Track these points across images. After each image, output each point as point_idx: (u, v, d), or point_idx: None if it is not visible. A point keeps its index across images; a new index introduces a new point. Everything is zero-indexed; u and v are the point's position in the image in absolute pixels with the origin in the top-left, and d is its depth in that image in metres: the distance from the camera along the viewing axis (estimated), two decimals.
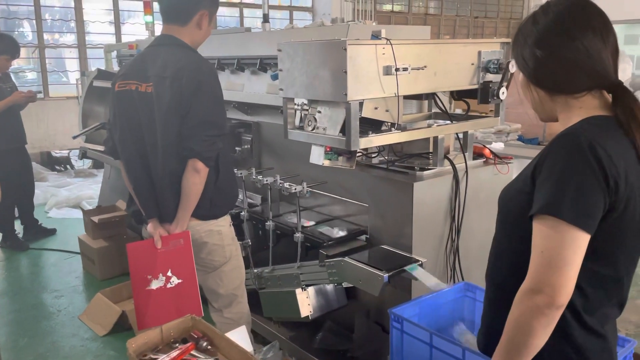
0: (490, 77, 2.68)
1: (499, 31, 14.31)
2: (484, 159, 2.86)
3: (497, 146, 6.61)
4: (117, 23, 8.91)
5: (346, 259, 2.41)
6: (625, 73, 10.55)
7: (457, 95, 2.80)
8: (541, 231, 1.20)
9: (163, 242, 2.25)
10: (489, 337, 1.33)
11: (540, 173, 1.24)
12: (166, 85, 2.22)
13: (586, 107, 1.30)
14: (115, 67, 5.15)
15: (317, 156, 2.50)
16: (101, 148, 4.65)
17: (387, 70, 2.27)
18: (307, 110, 2.56)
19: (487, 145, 2.95)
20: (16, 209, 5.27)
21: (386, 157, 2.75)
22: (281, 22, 10.89)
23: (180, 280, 2.20)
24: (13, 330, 3.64)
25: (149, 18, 5.00)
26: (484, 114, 2.97)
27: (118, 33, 8.92)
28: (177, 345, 1.24)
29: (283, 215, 3.00)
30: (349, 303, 2.89)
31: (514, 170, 6.21)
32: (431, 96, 2.80)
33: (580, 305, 1.28)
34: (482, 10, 13.95)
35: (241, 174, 2.96)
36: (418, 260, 2.36)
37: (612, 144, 1.21)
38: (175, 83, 2.21)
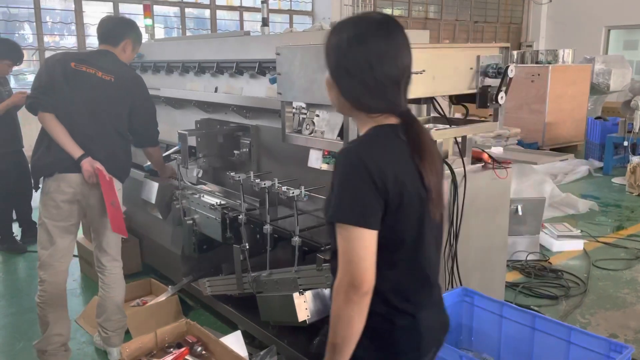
0: (489, 81, 2.68)
1: (498, 36, 14.32)
2: (483, 164, 2.85)
3: (496, 150, 6.62)
4: None
5: None
6: (625, 78, 10.55)
7: (456, 100, 2.80)
8: (337, 235, 1.40)
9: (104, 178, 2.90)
10: None
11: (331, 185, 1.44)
12: (126, 82, 3.03)
13: (378, 120, 1.49)
14: None
15: (315, 160, 2.51)
16: None
17: None
18: (305, 114, 2.56)
19: (486, 150, 2.94)
20: (14, 212, 5.26)
21: None
22: (281, 25, 10.90)
23: (116, 208, 2.96)
24: (9, 333, 3.63)
25: (148, 21, 4.99)
26: (483, 119, 2.96)
27: None
28: (171, 350, 1.24)
29: (281, 219, 2.98)
30: None
31: (513, 174, 6.22)
32: (430, 100, 2.79)
33: (389, 291, 1.47)
34: (481, 15, 13.97)
35: (239, 177, 2.95)
36: None
37: (384, 151, 1.43)
38: (132, 84, 3.08)
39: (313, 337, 2.95)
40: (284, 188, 2.71)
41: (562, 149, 9.49)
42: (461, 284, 2.61)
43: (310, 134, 2.50)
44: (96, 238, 3.11)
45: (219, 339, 1.23)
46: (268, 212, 2.86)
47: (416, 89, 2.42)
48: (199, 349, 1.21)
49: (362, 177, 1.37)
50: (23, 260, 4.92)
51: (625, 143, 7.58)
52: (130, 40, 3.12)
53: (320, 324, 2.93)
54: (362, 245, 1.37)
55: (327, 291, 2.78)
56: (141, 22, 4.48)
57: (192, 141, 3.58)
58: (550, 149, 9.40)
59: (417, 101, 2.81)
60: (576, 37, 13.30)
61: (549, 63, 9.79)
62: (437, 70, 2.46)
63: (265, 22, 3.49)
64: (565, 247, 4.82)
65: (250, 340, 3.27)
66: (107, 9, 8.75)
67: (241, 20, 10.23)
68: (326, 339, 2.88)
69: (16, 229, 5.28)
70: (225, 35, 4.18)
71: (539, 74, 9.51)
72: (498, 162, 2.85)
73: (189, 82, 3.94)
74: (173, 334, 1.27)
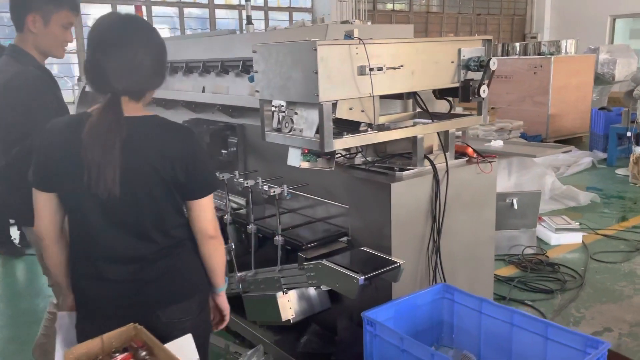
0: (471, 75, 2.65)
1: (502, 28, 14.21)
2: (467, 158, 2.81)
3: (496, 144, 6.54)
4: None
5: (324, 261, 2.37)
6: (630, 68, 10.42)
7: (439, 94, 2.76)
8: None
9: None
10: None
11: None
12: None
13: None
14: None
15: (294, 158, 2.48)
16: None
17: (361, 70, 2.24)
18: (284, 112, 2.54)
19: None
20: None
21: (367, 158, 2.72)
22: (282, 23, 10.88)
23: None
24: (4, 335, 3.65)
25: None
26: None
27: None
28: (116, 355, 1.23)
29: (266, 218, 2.97)
30: (334, 306, 2.86)
31: (509, 169, 6.11)
32: (412, 95, 2.76)
33: (72, 251, 1.78)
34: (484, 7, 13.86)
35: (223, 177, 2.94)
36: (396, 262, 2.32)
37: (59, 128, 1.69)
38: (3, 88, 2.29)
39: (301, 335, 2.95)
40: (265, 187, 2.69)
41: (567, 141, 9.38)
42: (445, 280, 2.58)
43: (290, 132, 2.47)
44: None
45: (164, 345, 1.22)
46: (252, 212, 2.85)
47: (395, 84, 2.40)
48: (143, 353, 1.21)
49: (37, 150, 1.70)
50: (21, 264, 4.95)
51: (629, 133, 7.48)
52: (36, 13, 2.29)
53: (308, 323, 2.93)
54: (36, 202, 1.72)
55: (312, 290, 2.76)
56: None
57: None
58: (555, 141, 9.29)
59: (400, 96, 2.78)
60: (581, 27, 13.16)
61: (552, 54, 9.68)
62: (416, 64, 2.43)
63: (249, 20, 3.47)
64: (564, 240, 4.77)
65: (240, 341, 3.28)
66: (105, 11, 8.78)
67: (240, 18, 10.22)
68: (314, 337, 2.87)
69: (14, 233, 5.32)
70: (212, 35, 4.17)
71: (541, 66, 9.41)
72: (482, 157, 2.81)
73: (178, 82, 3.94)
74: (121, 339, 1.26)
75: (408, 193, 2.50)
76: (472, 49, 2.64)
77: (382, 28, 3.07)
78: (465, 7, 13.45)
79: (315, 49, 2.10)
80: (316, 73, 2.11)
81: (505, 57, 10.21)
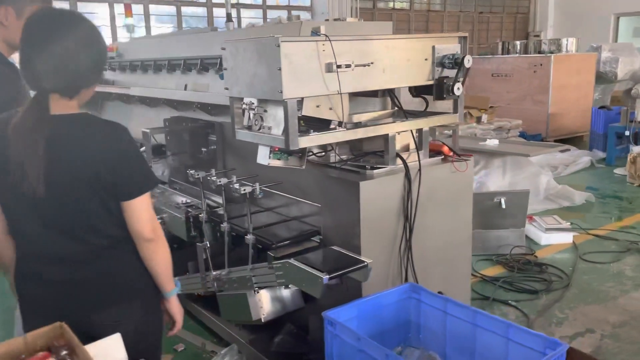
0: (447, 72, 2.61)
1: (505, 26, 14.11)
2: (443, 157, 2.78)
3: (491, 143, 6.50)
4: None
5: (290, 260, 2.35)
6: (633, 66, 10.32)
7: (416, 92, 2.73)
8: None
9: None
10: None
11: None
12: None
13: None
14: None
15: (263, 156, 2.46)
16: None
17: (329, 68, 2.22)
18: (254, 109, 2.52)
19: (444, 144, 2.86)
20: None
21: (342, 157, 2.69)
22: None
23: None
24: None
25: (130, 21, 5.00)
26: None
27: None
28: (39, 354, 1.22)
29: (242, 216, 2.95)
30: (308, 305, 2.84)
31: (503, 168, 6.03)
32: (390, 93, 2.73)
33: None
34: (486, 5, 13.76)
35: (198, 175, 2.93)
36: (364, 262, 2.30)
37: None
38: None
39: (275, 335, 2.93)
40: (236, 185, 2.67)
41: (567, 140, 9.30)
42: (417, 280, 2.55)
43: (259, 129, 2.46)
44: None
45: (85, 346, 1.21)
46: (225, 210, 2.83)
47: (364, 82, 2.37)
48: (64, 352, 1.19)
49: None
50: None
51: (627, 133, 7.40)
52: (8, 5, 2.25)
53: (284, 322, 2.91)
54: None
55: (284, 289, 2.74)
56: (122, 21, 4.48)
57: (164, 140, 3.58)
58: (555, 141, 9.20)
59: (375, 94, 2.75)
60: (585, 25, 13.05)
61: (552, 53, 9.59)
62: (386, 62, 2.40)
63: (229, 18, 3.46)
64: (554, 240, 4.71)
65: (217, 339, 3.27)
66: (101, 10, 8.80)
67: (238, 17, 10.20)
68: (288, 337, 2.84)
69: None
70: (193, 32, 4.16)
71: (541, 64, 9.33)
72: (458, 155, 2.78)
73: (162, 80, 3.93)
74: (47, 338, 1.24)
75: (378, 191, 2.47)
76: (447, 46, 2.60)
77: (357, 25, 3.04)
78: (467, 6, 13.37)
79: (279, 45, 2.07)
80: (280, 70, 2.09)
81: (506, 56, 10.13)
